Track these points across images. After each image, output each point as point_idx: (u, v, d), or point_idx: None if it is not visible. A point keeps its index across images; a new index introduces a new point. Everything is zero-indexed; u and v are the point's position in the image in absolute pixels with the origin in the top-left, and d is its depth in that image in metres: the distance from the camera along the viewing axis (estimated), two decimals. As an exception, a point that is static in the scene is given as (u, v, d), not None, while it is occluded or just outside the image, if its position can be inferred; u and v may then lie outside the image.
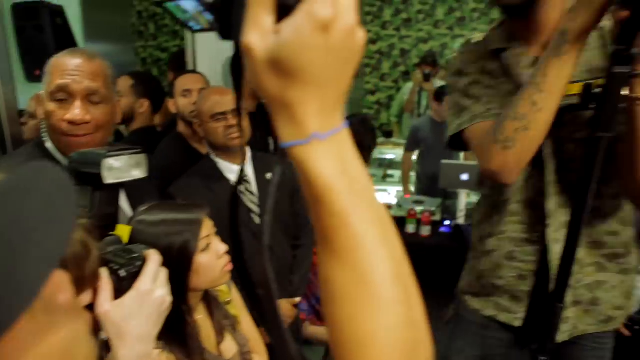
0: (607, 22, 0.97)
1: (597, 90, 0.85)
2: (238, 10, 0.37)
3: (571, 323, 1.10)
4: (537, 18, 0.98)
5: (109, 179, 0.75)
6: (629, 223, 1.10)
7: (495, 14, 3.72)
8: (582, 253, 1.07)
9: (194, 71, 2.21)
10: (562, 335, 1.08)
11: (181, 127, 1.97)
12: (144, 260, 0.66)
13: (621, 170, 0.96)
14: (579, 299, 1.09)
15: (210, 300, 1.05)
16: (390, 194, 3.60)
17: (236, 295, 1.17)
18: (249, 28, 0.36)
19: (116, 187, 0.78)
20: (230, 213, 0.48)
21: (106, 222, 0.76)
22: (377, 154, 3.97)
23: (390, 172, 3.93)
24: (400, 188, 3.60)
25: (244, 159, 1.63)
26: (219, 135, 1.52)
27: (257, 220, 1.54)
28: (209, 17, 2.04)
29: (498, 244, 1.13)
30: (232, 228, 0.49)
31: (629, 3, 0.74)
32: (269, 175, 1.61)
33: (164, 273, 0.68)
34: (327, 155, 0.38)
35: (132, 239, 0.79)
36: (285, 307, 1.62)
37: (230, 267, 1.00)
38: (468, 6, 4.62)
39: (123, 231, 0.75)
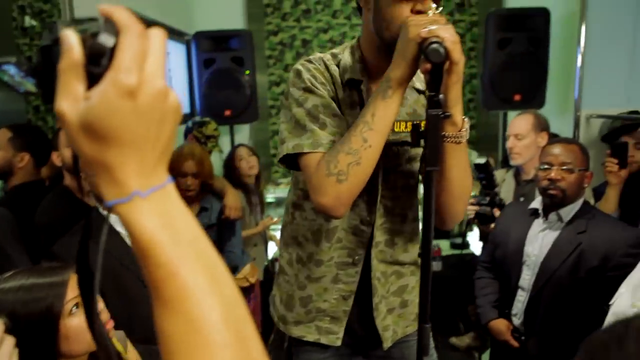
0: None
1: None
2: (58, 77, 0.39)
3: (392, 329, 1.27)
4: None
5: None
6: (416, 240, 1.30)
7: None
8: (382, 267, 1.24)
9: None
10: (386, 343, 1.25)
11: (67, 180, 1.88)
12: None
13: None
14: (391, 306, 1.26)
15: None
16: None
17: (133, 353, 1.13)
18: (61, 95, 0.38)
19: None
20: (79, 266, 0.47)
21: None
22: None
23: None
24: None
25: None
26: None
27: None
28: (31, 81, 2.11)
29: (327, 270, 1.22)
30: (82, 281, 0.48)
31: (426, 57, 0.88)
32: None
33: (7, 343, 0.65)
34: (150, 211, 0.40)
35: None
36: None
37: (111, 324, 0.96)
38: (363, -4, 4.80)
39: None
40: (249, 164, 2.84)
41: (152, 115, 0.39)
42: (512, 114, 3.62)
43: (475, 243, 3.11)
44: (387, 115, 1.00)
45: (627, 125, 2.44)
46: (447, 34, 0.90)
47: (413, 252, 1.30)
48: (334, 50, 1.19)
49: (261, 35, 4.72)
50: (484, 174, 2.28)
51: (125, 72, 0.38)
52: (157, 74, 0.39)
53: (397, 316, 1.28)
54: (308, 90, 1.10)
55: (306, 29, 4.88)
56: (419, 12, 1.00)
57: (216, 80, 3.45)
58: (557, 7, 3.42)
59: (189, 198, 2.30)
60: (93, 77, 0.38)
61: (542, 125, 2.33)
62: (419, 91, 1.21)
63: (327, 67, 1.14)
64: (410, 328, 1.31)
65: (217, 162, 3.18)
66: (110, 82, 0.38)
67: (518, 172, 2.40)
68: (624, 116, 2.54)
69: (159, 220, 0.40)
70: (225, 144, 3.89)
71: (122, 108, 0.38)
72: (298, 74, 1.12)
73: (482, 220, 2.28)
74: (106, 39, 0.38)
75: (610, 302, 1.24)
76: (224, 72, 3.46)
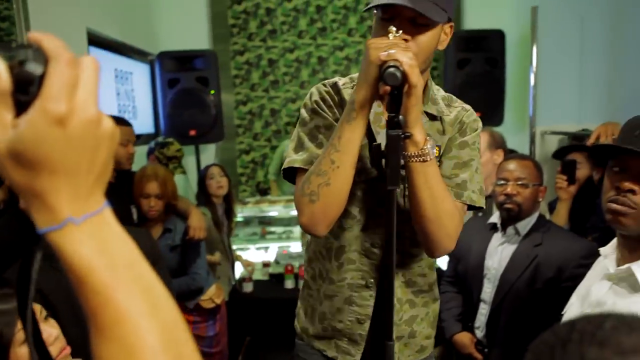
0: None
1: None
2: None
3: (396, 357, 1.25)
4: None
5: None
6: (434, 268, 1.30)
7: (352, 24, 4.00)
8: (399, 293, 1.23)
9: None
10: None
11: (22, 203, 1.83)
12: None
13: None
14: (400, 334, 1.25)
15: None
16: (269, 251, 3.66)
17: None
18: None
19: None
20: (19, 293, 0.47)
21: None
22: (256, 211, 4.03)
23: (270, 229, 3.99)
24: (282, 244, 3.67)
25: None
26: None
27: None
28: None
29: (339, 290, 1.22)
30: (21, 308, 0.47)
31: (383, 81, 0.92)
32: None
33: None
34: (84, 238, 0.40)
35: None
36: None
37: (67, 351, 0.93)
38: (327, 17, 4.89)
39: None
40: (218, 184, 2.83)
41: (85, 143, 0.40)
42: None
43: (442, 258, 3.17)
44: (352, 137, 1.02)
45: (576, 145, 2.55)
46: (405, 58, 0.92)
47: (430, 275, 1.28)
48: (355, 75, 1.21)
49: (227, 55, 4.74)
50: None
51: (54, 100, 0.38)
52: (88, 102, 0.39)
53: (403, 345, 1.27)
54: (314, 112, 1.17)
55: (272, 48, 4.94)
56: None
57: (180, 100, 3.44)
58: (511, 30, 3.58)
59: (152, 219, 2.27)
60: (21, 105, 0.38)
61: (497, 143, 2.42)
62: (431, 117, 1.19)
63: (338, 91, 1.18)
64: (411, 358, 1.29)
65: (181, 182, 3.14)
66: (38, 110, 0.38)
67: None
68: (577, 133, 2.66)
69: (94, 246, 0.40)
70: (191, 163, 3.86)
71: (51, 136, 0.38)
72: (310, 96, 1.20)
73: None
74: (35, 67, 0.38)
75: (563, 312, 1.28)
76: (189, 92, 3.45)
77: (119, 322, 0.40)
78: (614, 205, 1.06)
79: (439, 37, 1.07)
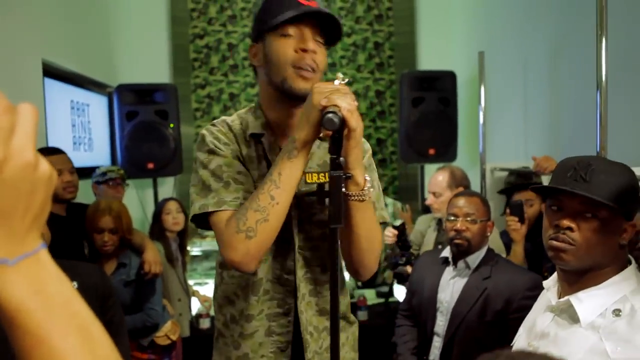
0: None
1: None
2: None
3: None
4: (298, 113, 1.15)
5: None
6: (346, 291, 1.35)
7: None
8: (315, 321, 1.25)
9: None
10: None
11: None
12: None
13: (342, 249, 1.18)
14: None
15: None
16: None
17: None
18: None
19: None
20: None
21: None
22: (215, 245, 3.95)
23: None
24: None
25: None
26: None
27: None
28: None
29: (259, 325, 1.22)
30: None
31: (323, 126, 0.99)
32: (74, 284, 1.55)
33: None
34: (18, 279, 0.40)
35: None
36: None
37: None
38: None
39: None
40: (174, 220, 2.80)
41: (21, 187, 0.40)
42: (428, 167, 3.87)
43: (400, 291, 3.22)
44: (292, 174, 1.06)
45: (519, 184, 2.69)
46: (344, 104, 0.98)
47: (343, 302, 1.30)
48: (240, 112, 1.26)
49: (188, 88, 4.76)
50: (398, 236, 2.42)
51: None
52: (25, 147, 0.40)
53: None
54: (212, 152, 1.15)
55: (234, 83, 4.99)
56: (304, 50, 1.10)
57: (139, 133, 3.41)
58: (461, 71, 3.78)
59: (106, 254, 2.22)
60: None
61: (457, 182, 2.53)
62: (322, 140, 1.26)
63: (230, 128, 1.20)
64: None
65: (137, 214, 3.10)
66: None
67: (440, 222, 2.57)
68: (521, 170, 2.81)
69: (28, 287, 0.41)
70: (148, 196, 3.80)
71: None
72: (202, 138, 1.18)
73: (399, 279, 2.39)
74: None
75: (512, 344, 1.33)
76: (147, 125, 3.44)
77: None
78: (555, 243, 1.13)
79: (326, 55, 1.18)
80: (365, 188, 1.07)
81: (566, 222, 1.11)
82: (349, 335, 1.33)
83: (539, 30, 3.06)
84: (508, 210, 2.34)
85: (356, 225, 1.10)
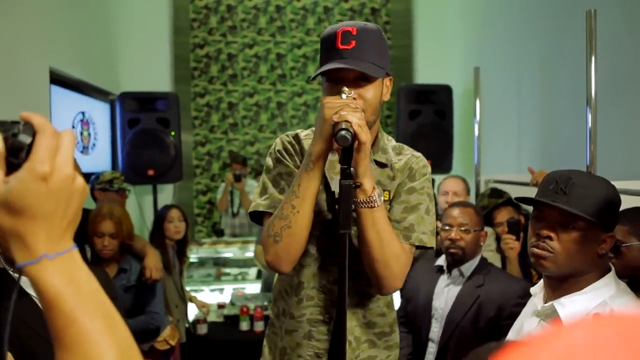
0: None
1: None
2: None
3: None
4: None
5: None
6: (392, 306, 1.39)
7: (310, 71, 4.18)
8: (357, 332, 1.30)
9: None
10: None
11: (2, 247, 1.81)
12: None
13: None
14: None
15: None
16: (224, 292, 3.64)
17: None
18: None
19: None
20: None
21: None
22: (212, 252, 4.04)
23: (225, 270, 3.99)
24: (237, 285, 3.68)
25: None
26: None
27: None
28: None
29: (298, 325, 1.29)
30: None
31: (336, 142, 1.04)
32: None
33: None
34: (56, 270, 0.49)
35: None
36: None
37: None
38: (287, 65, 5.10)
39: None
40: (176, 229, 2.83)
41: (61, 195, 0.50)
42: (423, 177, 3.94)
43: (395, 299, 3.26)
44: (310, 185, 1.14)
45: (507, 200, 2.71)
46: (354, 119, 1.05)
47: (390, 316, 1.35)
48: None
49: (188, 96, 4.83)
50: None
51: (40, 162, 0.48)
52: (66, 164, 0.50)
53: None
54: (278, 160, 1.28)
55: (232, 92, 5.07)
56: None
57: (140, 140, 3.47)
58: (457, 85, 3.87)
59: (105, 259, 2.25)
60: (12, 166, 0.49)
61: (467, 191, 2.66)
62: (381, 165, 1.28)
63: (299, 141, 1.30)
64: None
65: (136, 220, 3.14)
66: (27, 170, 0.48)
67: None
68: (492, 188, 2.86)
69: (63, 277, 0.49)
70: (148, 203, 3.85)
71: (36, 189, 0.48)
72: (274, 146, 1.31)
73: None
74: (24, 138, 0.50)
75: (502, 348, 1.38)
76: (149, 133, 3.49)
77: (83, 340, 0.48)
78: (536, 250, 1.20)
79: (382, 90, 1.22)
80: (374, 195, 1.13)
81: (545, 232, 1.18)
82: (392, 355, 1.35)
83: (532, 48, 3.15)
84: (506, 229, 2.39)
85: (367, 232, 1.15)
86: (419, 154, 1.34)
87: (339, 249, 1.24)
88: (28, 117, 0.51)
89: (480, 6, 4.07)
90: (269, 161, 1.31)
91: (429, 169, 1.32)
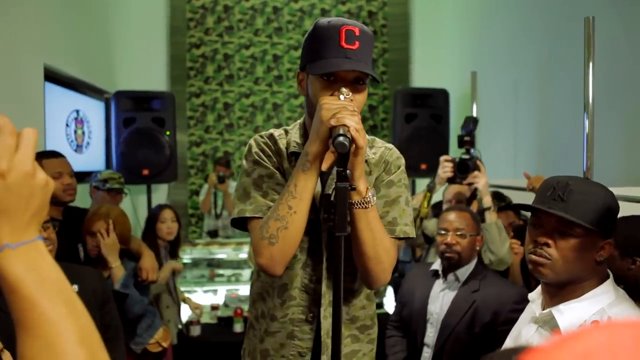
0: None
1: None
2: None
3: None
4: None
5: None
6: (373, 299, 1.39)
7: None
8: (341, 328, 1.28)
9: None
10: None
11: None
12: None
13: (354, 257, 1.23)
14: None
15: None
16: (218, 294, 3.61)
17: None
18: None
19: None
20: None
21: None
22: (205, 253, 4.01)
23: (219, 271, 3.96)
24: (231, 287, 3.64)
25: None
26: None
27: None
28: None
29: (282, 326, 1.29)
30: None
31: (334, 147, 1.03)
32: (75, 287, 1.58)
33: None
34: (17, 259, 0.52)
35: None
36: None
37: None
38: (284, 66, 5.09)
39: None
40: (168, 229, 2.80)
41: (21, 190, 0.52)
42: (420, 181, 3.94)
43: (389, 303, 3.26)
44: (307, 185, 1.13)
45: (506, 205, 2.73)
46: (352, 123, 1.04)
47: (370, 308, 1.36)
48: (288, 127, 1.33)
49: (183, 96, 4.80)
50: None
51: None
52: (25, 161, 0.53)
53: None
54: (256, 162, 1.25)
55: (228, 93, 5.05)
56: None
57: (135, 140, 3.44)
58: (453, 88, 3.88)
59: (95, 258, 2.21)
60: None
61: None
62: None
63: (275, 142, 1.28)
64: None
65: (130, 219, 3.10)
66: None
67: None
68: (510, 186, 2.89)
69: (24, 264, 0.52)
70: (141, 202, 3.82)
71: None
72: (249, 148, 1.28)
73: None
74: None
75: (499, 354, 1.38)
76: (144, 132, 3.46)
77: (43, 322, 0.51)
78: (533, 257, 1.19)
79: (367, 93, 1.22)
80: (368, 195, 1.13)
81: (543, 239, 1.18)
82: (374, 348, 1.37)
83: (529, 52, 3.16)
84: (512, 234, 2.39)
85: (361, 232, 1.15)
86: (391, 146, 1.34)
87: (321, 248, 1.26)
88: None
89: (477, 10, 4.08)
90: (246, 164, 1.27)
91: (403, 160, 1.33)
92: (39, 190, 0.54)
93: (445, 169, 2.45)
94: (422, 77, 4.70)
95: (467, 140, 2.49)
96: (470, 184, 2.40)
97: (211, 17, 4.97)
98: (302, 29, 5.07)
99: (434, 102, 3.76)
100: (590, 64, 1.90)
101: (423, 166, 3.63)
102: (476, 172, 2.37)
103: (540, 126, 3.06)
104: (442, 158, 2.50)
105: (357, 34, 1.13)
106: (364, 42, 1.14)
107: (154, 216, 2.83)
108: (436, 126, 3.70)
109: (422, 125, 3.67)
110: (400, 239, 1.27)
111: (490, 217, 2.24)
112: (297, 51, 5.07)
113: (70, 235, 2.25)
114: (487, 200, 2.29)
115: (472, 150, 2.48)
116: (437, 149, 3.67)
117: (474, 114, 3.10)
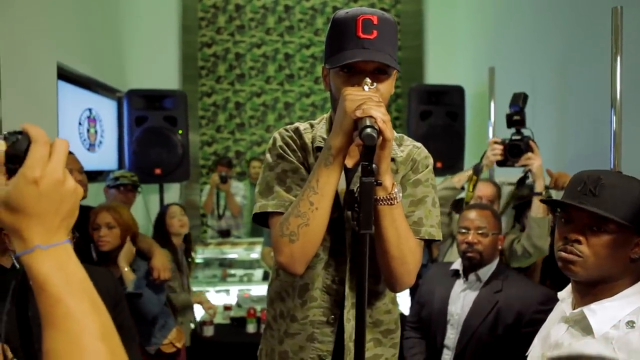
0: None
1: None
2: None
3: None
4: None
5: None
6: (397, 303, 1.34)
7: (318, 72, 4.14)
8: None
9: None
10: None
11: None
12: None
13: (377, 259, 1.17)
14: None
15: None
16: (230, 294, 3.58)
17: None
18: None
19: None
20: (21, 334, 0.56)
21: None
22: (217, 253, 3.98)
23: (231, 271, 3.93)
24: (243, 287, 3.61)
25: None
26: None
27: None
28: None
29: (302, 328, 1.24)
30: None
31: (362, 140, 0.96)
32: None
33: None
34: (47, 259, 0.56)
35: None
36: None
37: None
38: (295, 65, 5.05)
39: None
40: (180, 222, 2.77)
41: (52, 197, 0.57)
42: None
43: (404, 303, 3.20)
44: (329, 180, 1.07)
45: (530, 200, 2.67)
46: (379, 114, 0.98)
47: (395, 312, 1.31)
48: (313, 121, 1.29)
49: (195, 95, 4.78)
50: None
51: (31, 168, 0.56)
52: (57, 168, 0.58)
53: None
54: (280, 156, 1.20)
55: (240, 92, 5.02)
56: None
57: (147, 139, 3.42)
58: (469, 86, 3.81)
59: (105, 250, 2.18)
60: (11, 172, 0.58)
61: (499, 194, 2.59)
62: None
63: (300, 136, 1.23)
64: None
65: (142, 219, 3.09)
66: (20, 175, 0.56)
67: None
68: (528, 183, 2.81)
69: (54, 264, 0.56)
70: (154, 202, 3.80)
71: (28, 192, 0.56)
72: (274, 142, 1.23)
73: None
74: (20, 147, 0.58)
75: (526, 354, 1.33)
76: (156, 131, 3.44)
77: (67, 317, 0.55)
78: (563, 254, 1.14)
79: (393, 83, 1.16)
80: (394, 191, 1.07)
81: (574, 235, 1.12)
82: (396, 353, 1.32)
83: (548, 47, 3.09)
84: None
85: (385, 230, 1.10)
86: (419, 144, 1.29)
87: (345, 248, 1.21)
88: (26, 127, 0.59)
89: (492, 6, 4.01)
90: (269, 158, 1.22)
91: (431, 159, 1.27)
92: (69, 196, 0.59)
93: (495, 151, 2.30)
94: (436, 74, 4.63)
95: (517, 119, 2.31)
96: (523, 167, 2.24)
97: (223, 16, 4.95)
98: (314, 28, 5.03)
99: (449, 99, 3.70)
100: (618, 58, 1.83)
101: (438, 164, 3.56)
102: (529, 154, 2.23)
103: (559, 122, 2.99)
104: (492, 140, 2.39)
105: (375, 22, 1.08)
106: (383, 30, 1.09)
107: (162, 215, 2.81)
108: (452, 124, 3.64)
109: (438, 122, 3.61)
110: (425, 240, 1.21)
111: (540, 209, 2.11)
112: (308, 50, 5.03)
113: (82, 234, 2.23)
114: (540, 185, 2.16)
115: (522, 130, 2.31)
116: (452, 147, 3.61)
117: (492, 111, 3.03)
